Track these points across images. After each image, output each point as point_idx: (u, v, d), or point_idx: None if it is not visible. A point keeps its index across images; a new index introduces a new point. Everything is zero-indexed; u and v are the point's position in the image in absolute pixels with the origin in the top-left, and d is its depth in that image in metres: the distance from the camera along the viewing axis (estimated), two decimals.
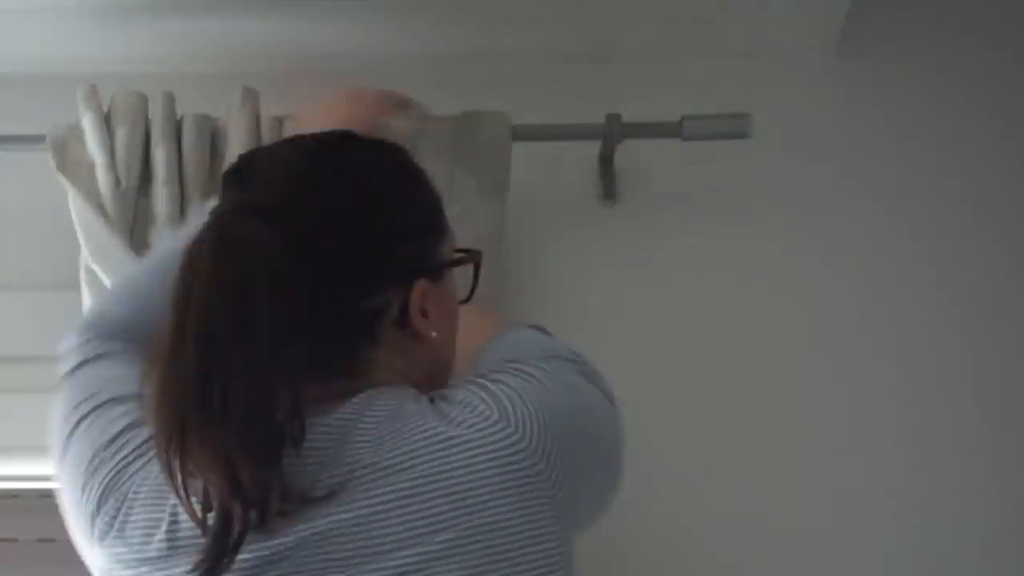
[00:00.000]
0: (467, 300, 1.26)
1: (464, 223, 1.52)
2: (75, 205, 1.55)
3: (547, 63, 1.74)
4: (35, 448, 1.47)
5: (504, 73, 1.68)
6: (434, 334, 1.15)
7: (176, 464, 1.02)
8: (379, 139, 1.26)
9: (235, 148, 1.57)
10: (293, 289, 1.05)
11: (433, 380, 1.16)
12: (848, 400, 1.69)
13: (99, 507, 1.09)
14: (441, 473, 1.04)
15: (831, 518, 1.66)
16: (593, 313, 1.68)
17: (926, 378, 1.70)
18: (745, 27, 1.74)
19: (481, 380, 1.11)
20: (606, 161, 1.71)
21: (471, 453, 1.04)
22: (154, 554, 1.05)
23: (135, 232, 1.56)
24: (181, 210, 1.56)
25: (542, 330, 1.28)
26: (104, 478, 1.10)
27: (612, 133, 1.64)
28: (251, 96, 1.59)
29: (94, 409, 1.15)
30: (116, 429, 1.13)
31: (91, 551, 1.10)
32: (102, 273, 1.51)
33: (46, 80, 1.68)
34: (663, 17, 1.71)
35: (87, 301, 1.51)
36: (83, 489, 1.11)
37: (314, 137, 1.19)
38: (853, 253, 1.74)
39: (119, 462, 1.11)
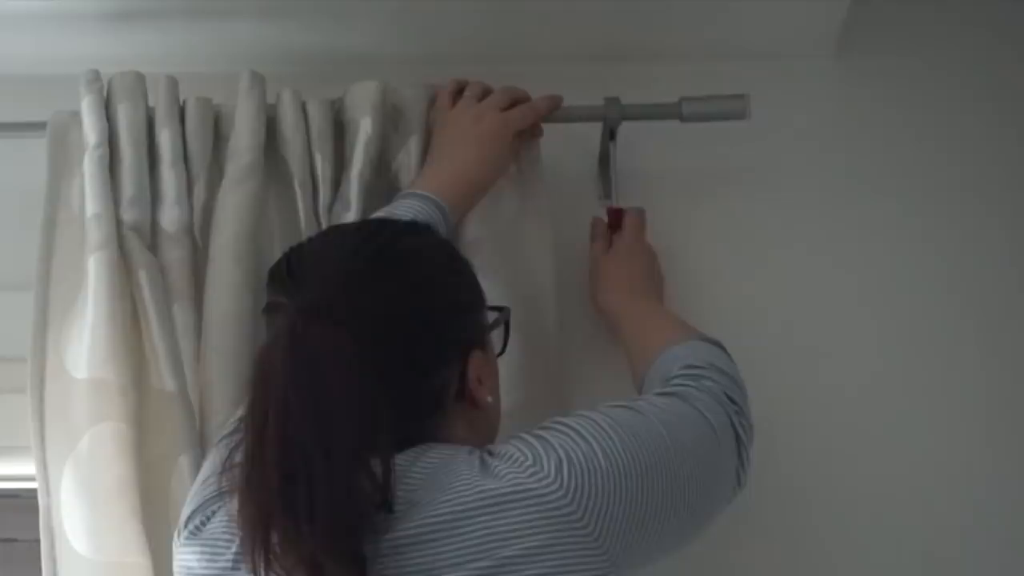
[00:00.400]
0: (502, 353, 1.34)
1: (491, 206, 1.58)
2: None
3: (547, 63, 1.74)
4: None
5: (504, 73, 1.68)
6: (490, 399, 1.24)
7: (261, 565, 1.08)
8: (410, 222, 1.36)
9: (244, 133, 1.56)
10: (365, 386, 1.11)
11: (489, 440, 1.23)
12: (845, 385, 1.69)
13: None
14: (478, 517, 1.09)
15: (831, 517, 1.66)
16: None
17: (923, 369, 1.71)
18: (745, 27, 1.74)
19: (530, 433, 1.16)
20: (605, 160, 1.71)
21: (506, 500, 1.09)
22: None
23: (138, 212, 1.54)
24: (188, 192, 1.56)
25: (718, 345, 1.39)
26: None
27: (612, 115, 1.64)
28: (257, 80, 1.58)
29: None
30: None
31: None
32: (97, 266, 1.50)
33: (46, 80, 1.68)
34: (663, 17, 1.71)
35: (91, 295, 1.50)
36: None
37: (357, 229, 1.30)
38: (853, 253, 1.74)
39: None
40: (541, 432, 1.16)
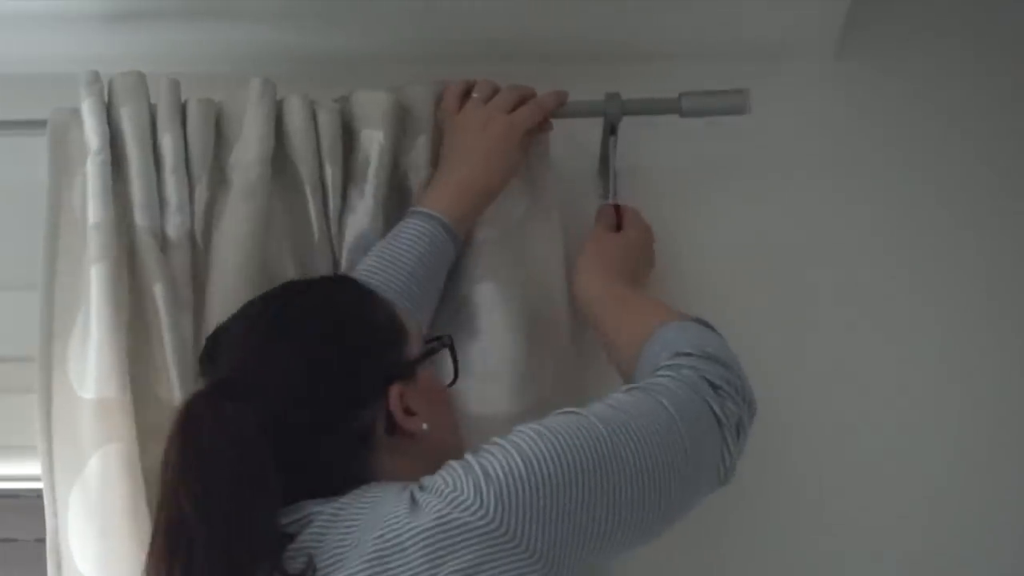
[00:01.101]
0: (453, 381, 1.38)
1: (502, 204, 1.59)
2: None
3: (546, 63, 1.74)
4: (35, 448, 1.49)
5: (504, 73, 1.68)
6: (425, 426, 1.26)
7: None
8: (323, 277, 1.43)
9: (253, 144, 1.55)
10: (255, 452, 1.17)
11: (440, 464, 1.21)
12: (844, 380, 1.69)
13: None
14: (410, 550, 1.12)
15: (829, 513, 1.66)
16: None
17: (924, 367, 1.71)
18: (745, 27, 1.74)
19: (460, 461, 1.17)
20: (605, 157, 1.71)
21: (433, 533, 1.11)
22: None
23: (150, 218, 1.54)
24: (190, 198, 1.55)
25: (706, 324, 1.38)
26: None
27: (612, 110, 1.64)
28: (268, 88, 1.58)
29: None
30: None
31: None
32: (98, 278, 1.49)
33: (46, 80, 1.67)
34: (663, 17, 1.71)
35: (94, 309, 1.49)
36: None
37: (263, 299, 1.35)
38: (852, 252, 1.74)
39: None
40: (469, 455, 1.18)
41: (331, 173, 1.57)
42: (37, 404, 1.50)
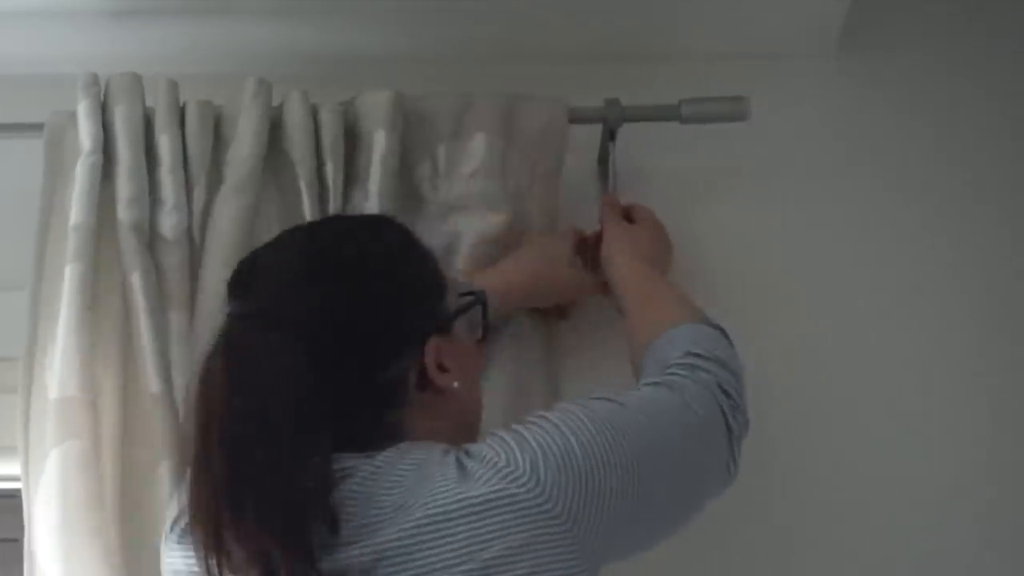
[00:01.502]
0: (483, 339, 1.34)
1: (516, 205, 1.58)
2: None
3: (546, 64, 1.74)
4: None
5: (504, 74, 1.68)
6: (456, 384, 1.23)
7: (214, 565, 1.10)
8: (369, 215, 1.40)
9: (247, 140, 1.56)
10: (308, 385, 1.14)
11: (465, 429, 1.23)
12: (846, 384, 1.69)
13: None
14: (460, 522, 1.09)
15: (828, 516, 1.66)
16: (592, 308, 1.68)
17: (925, 367, 1.71)
18: (745, 27, 1.74)
19: (507, 431, 1.16)
20: (605, 162, 1.71)
21: (485, 506, 1.09)
22: None
23: (137, 212, 1.53)
24: (187, 199, 1.55)
25: (720, 330, 1.38)
26: None
27: (612, 116, 1.64)
28: (263, 88, 1.58)
29: None
30: None
31: None
32: (70, 278, 1.49)
33: (46, 81, 1.67)
34: (663, 17, 1.71)
35: (63, 308, 1.49)
36: None
37: (307, 229, 1.32)
38: (853, 252, 1.74)
39: None
40: (518, 427, 1.16)
41: (332, 171, 1.56)
42: (19, 404, 1.50)
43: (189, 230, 1.55)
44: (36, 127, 1.60)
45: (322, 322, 1.18)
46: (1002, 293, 1.73)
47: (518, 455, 1.12)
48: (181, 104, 1.58)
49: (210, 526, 1.11)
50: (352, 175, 1.58)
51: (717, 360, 1.32)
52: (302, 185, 1.56)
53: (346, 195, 1.58)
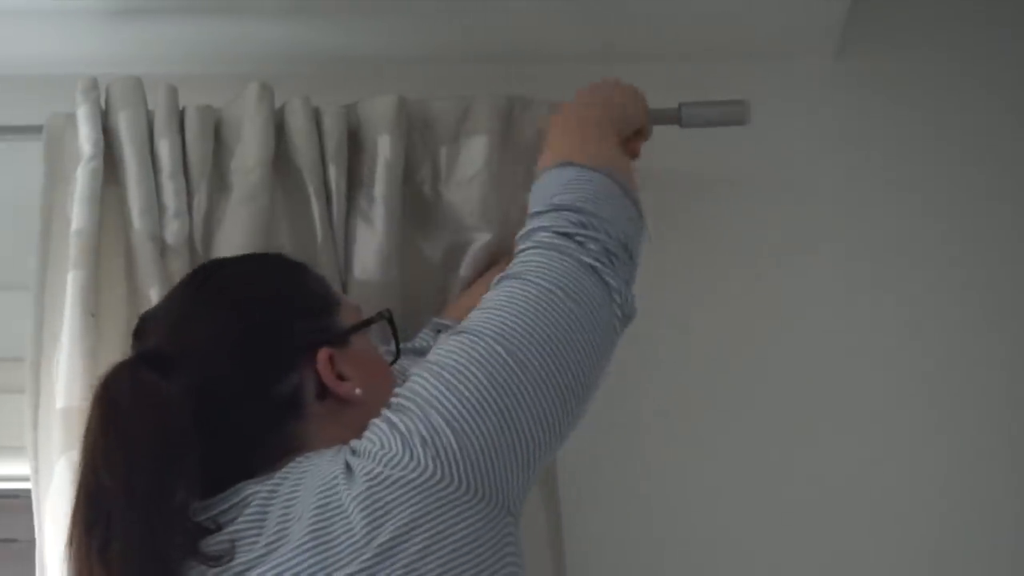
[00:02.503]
0: (396, 358, 1.37)
1: (507, 208, 1.57)
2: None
3: (546, 64, 1.74)
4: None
5: (504, 74, 1.68)
6: (358, 391, 1.24)
7: None
8: (247, 255, 1.42)
9: (253, 148, 1.55)
10: (178, 425, 1.15)
11: None
12: (842, 390, 1.70)
13: None
14: (351, 517, 1.10)
15: (828, 517, 1.66)
16: None
17: (926, 368, 1.72)
18: (745, 27, 1.75)
19: (381, 418, 1.17)
20: None
21: (370, 493, 1.10)
22: None
23: (150, 222, 1.54)
24: (188, 205, 1.55)
25: (569, 165, 1.32)
26: None
27: None
28: (267, 93, 1.57)
29: None
30: None
31: None
32: (72, 285, 1.50)
33: (46, 81, 1.67)
34: (662, 18, 1.71)
35: (67, 316, 1.50)
36: None
37: (192, 273, 1.33)
38: (853, 252, 1.74)
39: None
40: (386, 411, 1.17)
41: (335, 175, 1.56)
42: (26, 409, 1.51)
43: (191, 238, 1.55)
44: (35, 129, 1.60)
45: (198, 354, 1.21)
46: (1004, 292, 1.74)
47: (390, 438, 1.14)
48: (180, 109, 1.58)
49: (78, 572, 1.13)
50: (356, 179, 1.58)
51: (551, 207, 1.29)
52: (311, 191, 1.56)
53: (350, 199, 1.58)
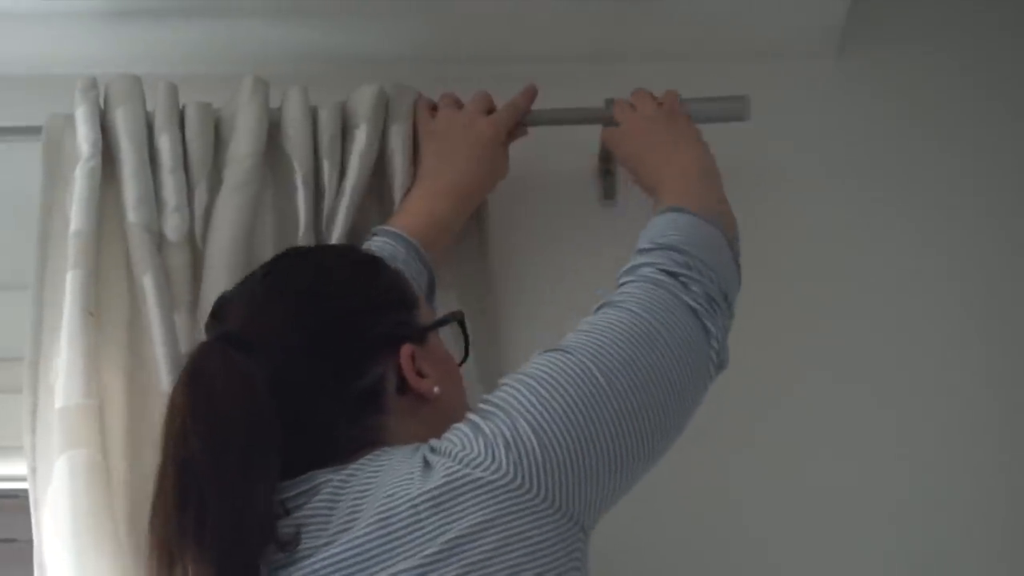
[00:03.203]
0: (464, 359, 1.38)
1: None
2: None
3: (546, 64, 1.74)
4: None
5: (503, 74, 1.68)
6: (436, 389, 1.25)
7: None
8: (327, 244, 1.44)
9: (244, 138, 1.56)
10: (263, 410, 1.15)
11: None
12: (845, 384, 1.69)
13: None
14: (422, 512, 1.11)
15: (829, 519, 1.66)
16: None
17: (926, 367, 1.71)
18: (745, 27, 1.75)
19: (465, 422, 1.18)
20: (606, 162, 1.71)
21: (446, 493, 1.11)
22: None
23: (146, 213, 1.54)
24: (188, 200, 1.55)
25: (682, 211, 1.36)
26: None
27: (612, 116, 1.63)
28: (260, 86, 1.58)
29: None
30: None
31: None
32: (72, 285, 1.50)
33: (45, 81, 1.67)
34: (662, 18, 1.71)
35: (65, 317, 1.50)
36: None
37: (273, 260, 1.34)
38: (852, 251, 1.74)
39: None
40: (471, 416, 1.18)
41: (328, 170, 1.57)
42: (24, 409, 1.50)
43: (191, 232, 1.55)
44: (34, 130, 1.60)
45: (288, 340, 1.22)
46: (1003, 292, 1.74)
47: (472, 440, 1.14)
48: (181, 106, 1.58)
49: (158, 550, 1.14)
50: (343, 172, 1.59)
51: (658, 246, 1.31)
52: (298, 182, 1.56)
53: (338, 193, 1.58)
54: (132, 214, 1.53)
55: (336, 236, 1.56)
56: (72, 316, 1.48)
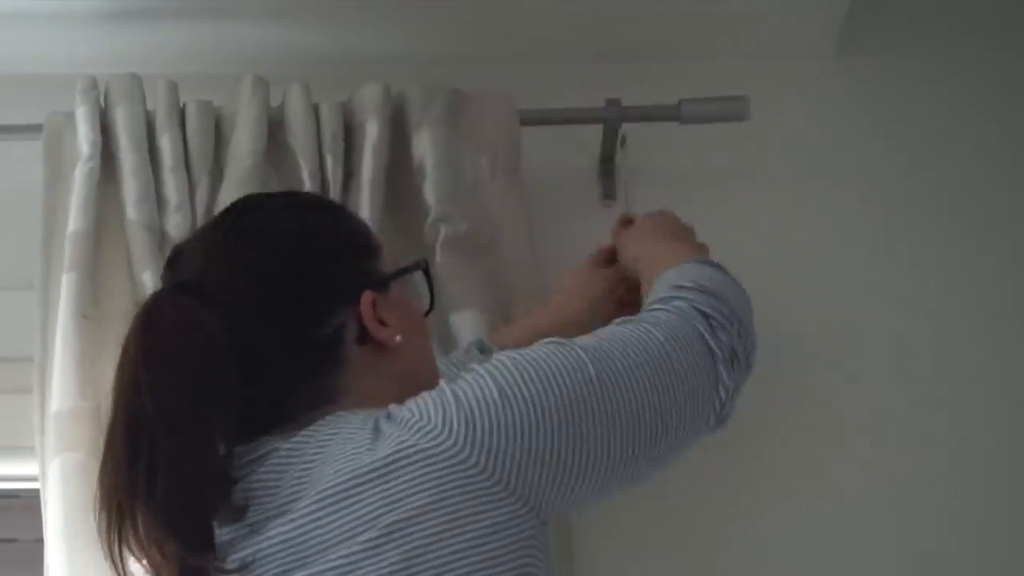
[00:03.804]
0: (430, 309, 1.32)
1: (476, 198, 1.58)
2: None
3: (546, 64, 1.74)
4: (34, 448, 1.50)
5: (503, 74, 1.68)
6: (398, 338, 1.19)
7: (114, 543, 1.08)
8: (284, 191, 1.39)
9: (245, 137, 1.56)
10: (221, 362, 1.10)
11: (414, 389, 1.15)
12: (845, 384, 1.69)
13: None
14: (367, 487, 1.05)
15: (828, 518, 1.66)
16: None
17: (924, 367, 1.71)
18: (745, 27, 1.75)
19: (435, 389, 1.12)
20: (606, 162, 1.71)
21: (391, 465, 1.05)
22: None
23: (147, 211, 1.54)
24: (190, 199, 1.55)
25: (715, 266, 1.34)
26: None
27: (612, 117, 1.64)
28: (261, 85, 1.58)
29: None
30: None
31: None
32: (67, 288, 1.50)
33: (45, 81, 1.67)
34: (663, 17, 1.71)
35: (60, 319, 1.50)
36: None
37: (229, 208, 1.27)
38: (851, 251, 1.74)
39: None
40: (443, 383, 1.12)
41: (331, 165, 1.57)
42: (34, 410, 1.50)
43: (193, 230, 1.54)
44: (35, 128, 1.60)
45: (245, 288, 1.16)
46: (1000, 292, 1.73)
47: (430, 409, 1.09)
48: (181, 105, 1.58)
49: (111, 507, 1.08)
50: (349, 169, 1.59)
51: (697, 287, 1.27)
52: (305, 177, 1.56)
53: (345, 189, 1.58)
54: (132, 212, 1.53)
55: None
56: (66, 320, 1.48)
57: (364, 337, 1.18)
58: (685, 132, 1.67)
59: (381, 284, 1.22)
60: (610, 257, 1.58)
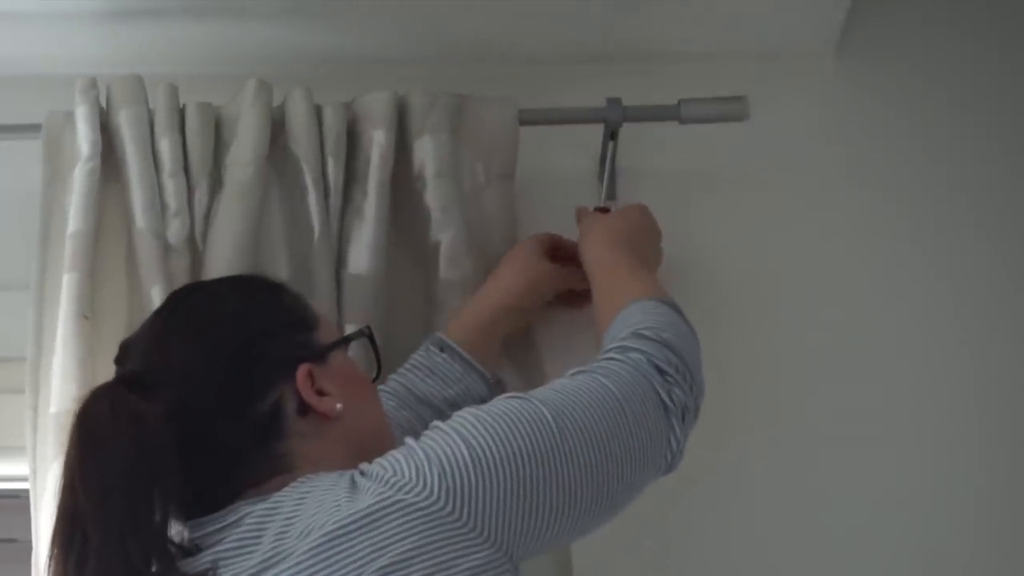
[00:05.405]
0: (377, 375, 1.38)
1: (471, 205, 1.57)
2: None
3: (546, 64, 1.74)
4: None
5: (503, 74, 1.68)
6: (339, 406, 1.23)
7: None
8: (223, 277, 1.41)
9: (247, 143, 1.55)
10: (156, 445, 1.14)
11: (364, 454, 1.20)
12: (843, 383, 1.69)
13: None
14: (352, 536, 1.10)
15: (827, 518, 1.66)
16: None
17: (920, 367, 1.71)
18: (745, 27, 1.75)
19: (400, 447, 1.17)
20: (604, 162, 1.71)
21: (374, 516, 1.10)
22: None
23: (147, 220, 1.53)
24: (188, 203, 1.55)
25: (674, 308, 1.37)
26: None
27: (612, 117, 1.64)
28: (264, 89, 1.58)
29: None
30: None
31: None
32: (68, 288, 1.50)
33: (45, 81, 1.67)
34: (662, 18, 1.71)
35: (60, 320, 1.50)
36: None
37: (168, 298, 1.34)
38: (852, 252, 1.74)
39: None
40: (409, 440, 1.18)
41: (333, 168, 1.56)
42: (26, 411, 1.51)
43: (192, 235, 1.55)
44: (34, 128, 1.60)
45: (183, 372, 1.21)
46: (1000, 292, 1.73)
47: (403, 465, 1.14)
48: (181, 107, 1.58)
49: None
50: (351, 174, 1.58)
51: (656, 339, 1.31)
52: (308, 182, 1.56)
53: (346, 194, 1.58)
54: (140, 220, 1.53)
55: (365, 239, 1.56)
56: (67, 320, 1.48)
57: (304, 409, 1.23)
58: (684, 132, 1.67)
59: (318, 355, 1.26)
60: (556, 253, 1.61)
